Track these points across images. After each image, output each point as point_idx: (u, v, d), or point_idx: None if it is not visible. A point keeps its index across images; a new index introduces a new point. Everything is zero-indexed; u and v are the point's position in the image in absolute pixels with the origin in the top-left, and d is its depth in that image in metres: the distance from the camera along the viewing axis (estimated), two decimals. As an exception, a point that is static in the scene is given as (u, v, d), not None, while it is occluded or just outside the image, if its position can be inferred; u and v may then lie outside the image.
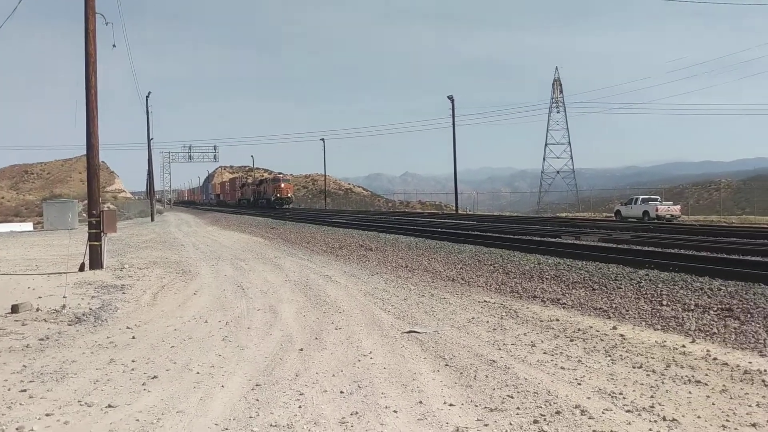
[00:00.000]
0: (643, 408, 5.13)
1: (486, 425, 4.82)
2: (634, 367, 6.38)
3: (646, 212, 39.69)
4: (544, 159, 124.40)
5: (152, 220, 54.40)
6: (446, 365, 6.57)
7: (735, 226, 32.56)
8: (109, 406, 5.43)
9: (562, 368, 6.38)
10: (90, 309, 10.34)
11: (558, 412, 5.05)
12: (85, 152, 17.17)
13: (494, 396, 5.51)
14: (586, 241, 21.48)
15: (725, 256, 15.59)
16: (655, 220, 37.78)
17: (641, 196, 42.98)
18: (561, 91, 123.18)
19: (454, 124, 58.89)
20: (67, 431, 4.90)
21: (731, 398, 5.38)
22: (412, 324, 8.73)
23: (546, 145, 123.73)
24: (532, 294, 11.17)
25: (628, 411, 5.08)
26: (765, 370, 6.19)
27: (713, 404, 5.23)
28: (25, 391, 5.92)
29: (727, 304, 9.42)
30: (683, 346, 7.28)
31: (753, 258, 15.02)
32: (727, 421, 4.85)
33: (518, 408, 5.19)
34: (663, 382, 5.85)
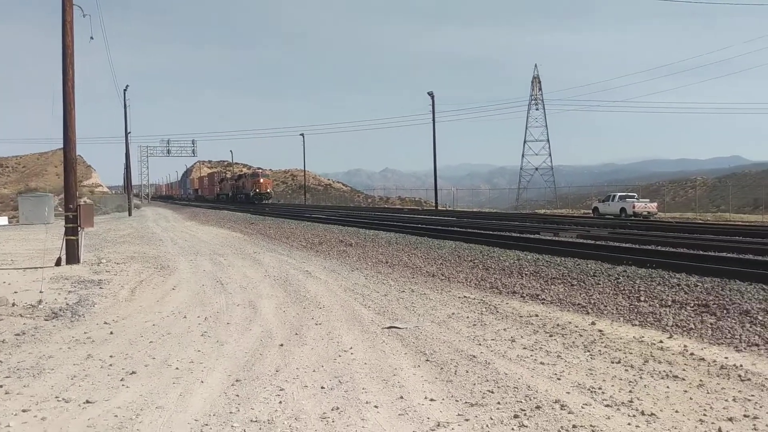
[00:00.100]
0: (622, 402, 5.18)
1: (467, 420, 4.84)
2: (612, 362, 6.44)
3: (623, 209, 40.05)
4: (523, 156, 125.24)
5: (130, 214, 53.89)
6: (427, 360, 6.58)
7: (710, 223, 32.95)
8: (87, 401, 5.37)
9: (541, 363, 6.43)
10: (67, 304, 10.22)
11: (538, 407, 5.08)
12: (61, 146, 16.93)
13: (475, 391, 5.53)
14: (565, 237, 21.63)
15: (702, 252, 15.77)
16: (632, 217, 38.12)
17: (619, 194, 43.35)
18: (540, 89, 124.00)
19: (434, 120, 58.94)
20: (44, 427, 4.84)
21: (708, 393, 5.45)
22: (392, 319, 8.74)
23: (525, 142, 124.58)
24: (512, 290, 11.23)
25: (607, 406, 5.12)
26: (741, 366, 6.28)
27: (691, 399, 5.29)
28: (1, 386, 5.84)
29: (703, 300, 9.53)
30: (661, 341, 7.36)
31: (729, 255, 15.22)
32: (704, 415, 4.91)
33: (499, 403, 5.22)
34: (641, 377, 5.91)
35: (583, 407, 5.08)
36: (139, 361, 6.74)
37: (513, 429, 4.67)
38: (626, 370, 6.15)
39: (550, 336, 7.66)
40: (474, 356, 6.71)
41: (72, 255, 16.08)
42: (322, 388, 5.68)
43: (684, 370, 6.16)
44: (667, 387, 5.61)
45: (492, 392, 5.49)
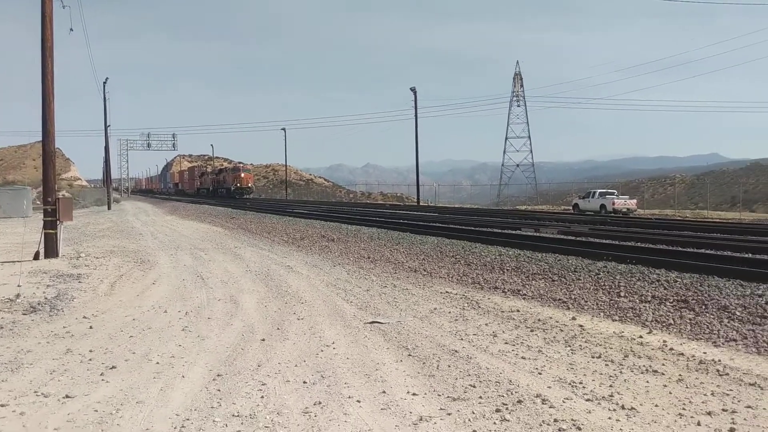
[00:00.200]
0: (603, 397, 5.23)
1: (449, 414, 4.85)
2: (593, 357, 6.49)
3: (603, 206, 40.39)
4: (504, 152, 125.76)
5: (109, 208, 53.35)
6: (409, 355, 6.59)
7: (689, 220, 33.30)
8: (67, 396, 5.32)
9: (523, 358, 6.46)
10: (45, 298, 10.11)
11: (520, 401, 5.11)
12: (40, 138, 16.72)
13: (457, 385, 5.54)
14: (546, 233, 21.76)
15: (681, 249, 15.93)
16: (612, 214, 38.46)
17: (599, 190, 43.73)
18: (522, 85, 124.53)
19: (416, 115, 58.98)
20: (23, 422, 4.79)
21: (687, 387, 5.51)
22: (374, 314, 8.74)
23: (506, 138, 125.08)
24: (494, 285, 11.27)
25: (588, 400, 5.16)
26: (719, 360, 6.35)
27: (670, 393, 5.35)
28: (-22, 381, 5.77)
29: (682, 295, 9.63)
30: (641, 336, 7.43)
31: (707, 251, 15.39)
32: (683, 409, 4.96)
33: (481, 397, 5.24)
34: (621, 372, 5.96)
35: (564, 401, 5.11)
36: (120, 355, 6.68)
37: (495, 423, 4.69)
38: (606, 365, 6.20)
39: (532, 331, 7.70)
40: (456, 351, 6.73)
41: (51, 249, 15.90)
42: (305, 382, 5.66)
43: (663, 365, 6.23)
44: (647, 381, 5.67)
45: (474, 387, 5.51)
